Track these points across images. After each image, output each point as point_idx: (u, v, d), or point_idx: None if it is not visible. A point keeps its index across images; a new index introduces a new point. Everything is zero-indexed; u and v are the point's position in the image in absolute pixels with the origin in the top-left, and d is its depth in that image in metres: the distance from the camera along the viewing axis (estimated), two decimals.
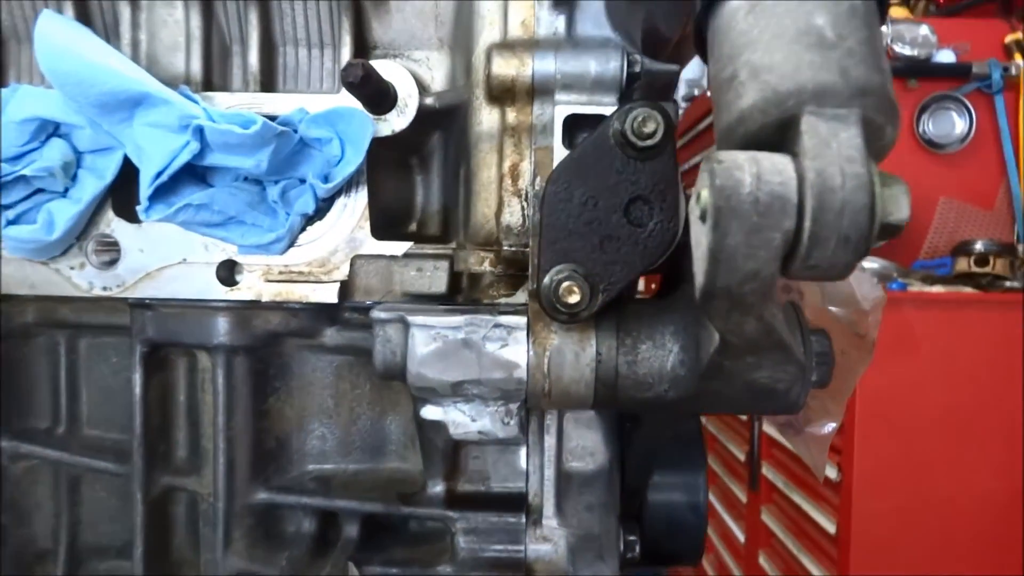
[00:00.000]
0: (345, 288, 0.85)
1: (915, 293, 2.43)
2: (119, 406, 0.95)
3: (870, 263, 2.45)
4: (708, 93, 3.53)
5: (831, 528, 2.53)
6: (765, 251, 0.52)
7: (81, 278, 0.87)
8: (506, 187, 0.79)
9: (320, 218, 0.86)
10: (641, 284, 1.04)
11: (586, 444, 0.86)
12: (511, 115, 0.78)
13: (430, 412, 0.80)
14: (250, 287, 0.85)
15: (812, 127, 0.53)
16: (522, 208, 0.79)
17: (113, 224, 0.86)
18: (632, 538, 0.89)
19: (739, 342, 0.63)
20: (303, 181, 0.83)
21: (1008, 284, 2.46)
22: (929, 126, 2.74)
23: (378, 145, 0.82)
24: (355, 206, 0.85)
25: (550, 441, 0.86)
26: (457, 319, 0.76)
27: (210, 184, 0.83)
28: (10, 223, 0.83)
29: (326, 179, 0.82)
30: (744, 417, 3.12)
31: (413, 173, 0.93)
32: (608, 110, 0.76)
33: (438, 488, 0.89)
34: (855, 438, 2.39)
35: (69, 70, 0.77)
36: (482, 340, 0.75)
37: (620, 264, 0.71)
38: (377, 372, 0.79)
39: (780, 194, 0.51)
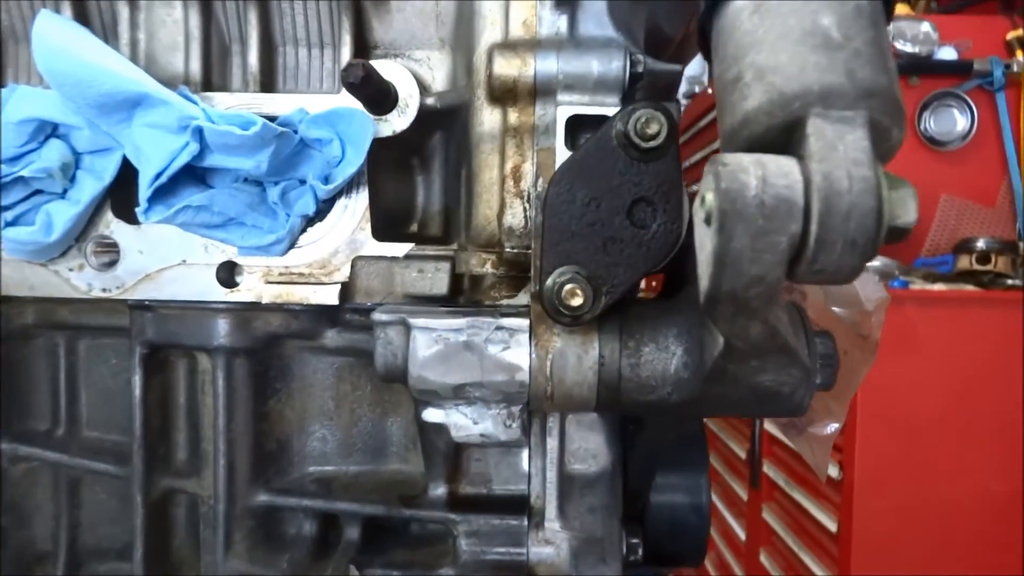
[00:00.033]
0: (346, 290, 0.85)
1: (916, 291, 2.42)
2: (119, 408, 0.95)
3: (871, 261, 2.44)
4: (709, 90, 3.53)
5: (832, 526, 2.52)
6: (771, 255, 0.51)
7: (80, 280, 0.86)
8: (508, 188, 0.78)
9: (320, 219, 0.85)
10: (642, 281, 1.03)
11: (588, 446, 0.85)
12: (513, 116, 0.78)
13: (432, 415, 0.80)
14: (250, 289, 0.85)
15: (818, 129, 0.52)
16: (524, 210, 0.78)
17: (112, 225, 0.86)
18: (635, 540, 0.89)
19: (744, 346, 0.62)
20: (303, 182, 0.82)
21: (1010, 282, 2.45)
22: (930, 123, 2.73)
23: (379, 146, 0.82)
24: (356, 207, 0.85)
25: (552, 443, 0.85)
26: (459, 321, 0.75)
27: (210, 185, 0.82)
28: (8, 224, 0.82)
29: (326, 180, 0.81)
30: None
31: (414, 174, 0.93)
32: (611, 111, 0.75)
33: (440, 490, 0.88)
34: (856, 436, 2.39)
35: (67, 70, 0.76)
36: (484, 343, 0.74)
37: (623, 266, 0.71)
38: (378, 375, 0.78)
39: (786, 197, 0.50)
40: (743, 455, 3.21)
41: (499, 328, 0.74)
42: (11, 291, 0.86)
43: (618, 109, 0.75)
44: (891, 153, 0.55)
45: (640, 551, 0.88)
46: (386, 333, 0.77)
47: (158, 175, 0.77)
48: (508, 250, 0.79)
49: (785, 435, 2.11)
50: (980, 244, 2.50)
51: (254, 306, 0.86)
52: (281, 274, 0.85)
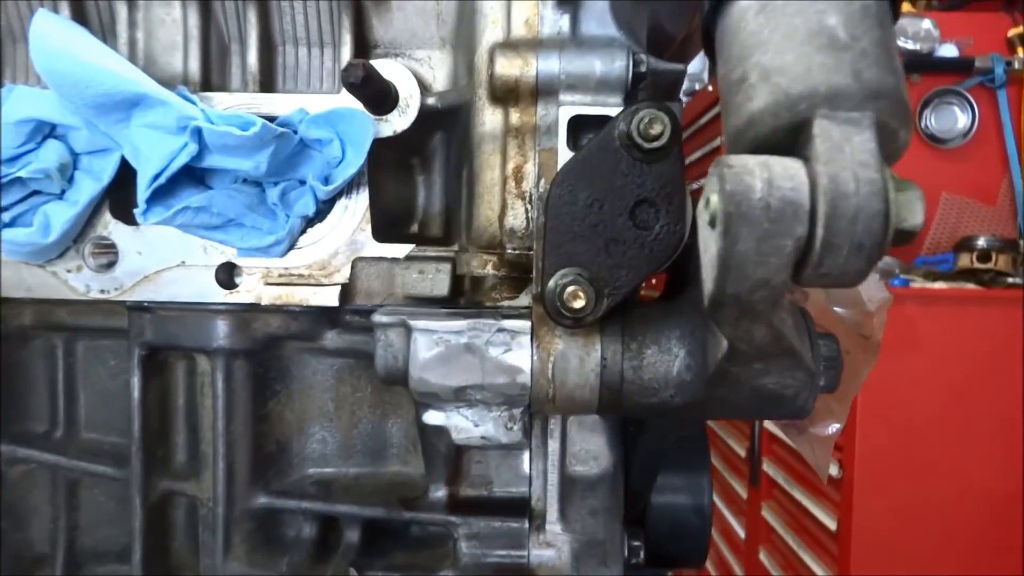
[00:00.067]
0: (346, 291, 0.84)
1: (917, 289, 2.42)
2: (117, 409, 0.94)
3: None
4: (710, 88, 3.52)
5: (832, 524, 2.52)
6: (776, 258, 0.51)
7: (78, 281, 0.86)
8: (510, 189, 0.78)
9: (320, 220, 0.84)
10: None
11: (590, 448, 0.85)
12: (514, 116, 0.77)
13: (432, 417, 0.79)
14: (250, 290, 0.84)
15: (825, 131, 0.52)
16: (526, 211, 0.78)
17: (110, 226, 0.85)
18: (636, 543, 0.88)
19: (748, 349, 0.62)
20: (303, 183, 0.82)
21: (1010, 280, 2.44)
22: (931, 121, 2.72)
23: (379, 146, 0.81)
24: (356, 208, 0.84)
25: (554, 445, 0.85)
26: (460, 323, 0.75)
27: (209, 186, 0.82)
28: (6, 226, 0.82)
29: (326, 181, 0.81)
30: None
31: (414, 174, 0.92)
32: (613, 111, 0.74)
33: (440, 493, 0.88)
34: (856, 434, 2.38)
35: (65, 70, 0.76)
36: (485, 345, 0.74)
37: (626, 268, 0.70)
38: (379, 377, 0.78)
39: (792, 200, 0.50)
40: (743, 453, 3.21)
41: (500, 330, 0.74)
42: (8, 292, 0.86)
43: (621, 109, 0.74)
44: (898, 155, 0.54)
45: (642, 554, 0.88)
46: (387, 335, 0.77)
47: (156, 176, 0.77)
48: (510, 251, 0.78)
49: (786, 435, 2.11)
50: (981, 242, 2.49)
51: (253, 308, 0.85)
52: (281, 275, 0.84)
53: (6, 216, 0.82)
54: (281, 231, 0.82)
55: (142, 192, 0.78)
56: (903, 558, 2.41)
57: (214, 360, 0.87)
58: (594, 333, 0.72)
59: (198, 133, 0.76)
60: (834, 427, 1.19)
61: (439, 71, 0.88)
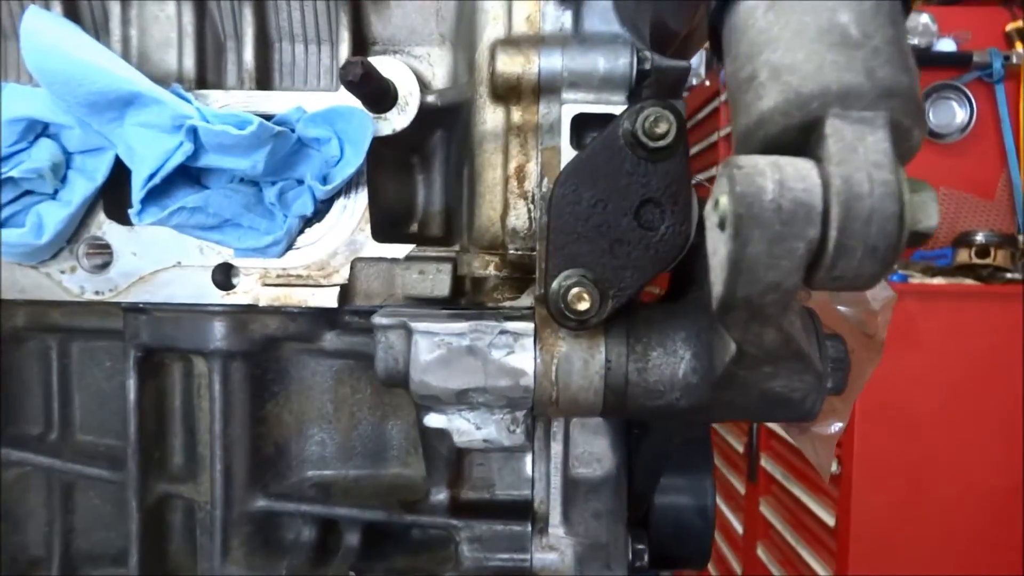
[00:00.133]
0: (345, 292, 0.83)
1: (916, 285, 2.42)
2: (113, 411, 0.93)
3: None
4: (707, 83, 3.51)
5: (830, 520, 2.52)
6: (788, 261, 0.49)
7: (72, 282, 0.84)
8: (512, 189, 0.77)
9: (319, 220, 0.83)
10: None
11: (593, 450, 0.84)
12: (516, 114, 0.76)
13: (434, 420, 0.78)
14: (247, 291, 0.83)
15: (837, 131, 0.50)
16: (528, 211, 0.77)
17: (105, 227, 0.84)
18: (641, 546, 0.87)
19: (757, 352, 0.61)
20: (301, 182, 0.80)
21: (1009, 276, 2.44)
22: (929, 116, 2.71)
23: (378, 144, 0.80)
24: (355, 207, 0.83)
25: (556, 447, 0.84)
26: (462, 325, 0.74)
27: (205, 186, 0.80)
28: None
29: (325, 180, 0.79)
30: None
31: (414, 173, 0.91)
32: (617, 109, 0.73)
33: (441, 495, 0.87)
34: (855, 430, 2.38)
35: (57, 68, 0.74)
36: (488, 347, 0.73)
37: (631, 269, 0.69)
38: (379, 380, 0.77)
39: (804, 201, 0.49)
40: (740, 449, 3.20)
41: (503, 332, 0.73)
42: (1, 294, 0.84)
43: (625, 107, 0.73)
44: (911, 154, 0.53)
45: (646, 557, 0.87)
46: (387, 337, 0.76)
47: (151, 176, 0.75)
48: (512, 252, 0.77)
49: (787, 433, 2.10)
50: (979, 238, 2.49)
51: (251, 309, 0.84)
52: (279, 276, 0.83)
53: None
54: (279, 231, 0.81)
55: (137, 192, 0.76)
56: (902, 554, 2.41)
57: (211, 362, 0.86)
58: (598, 335, 0.71)
59: (194, 132, 0.74)
60: (837, 426, 1.18)
61: (438, 68, 0.87)
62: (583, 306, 0.68)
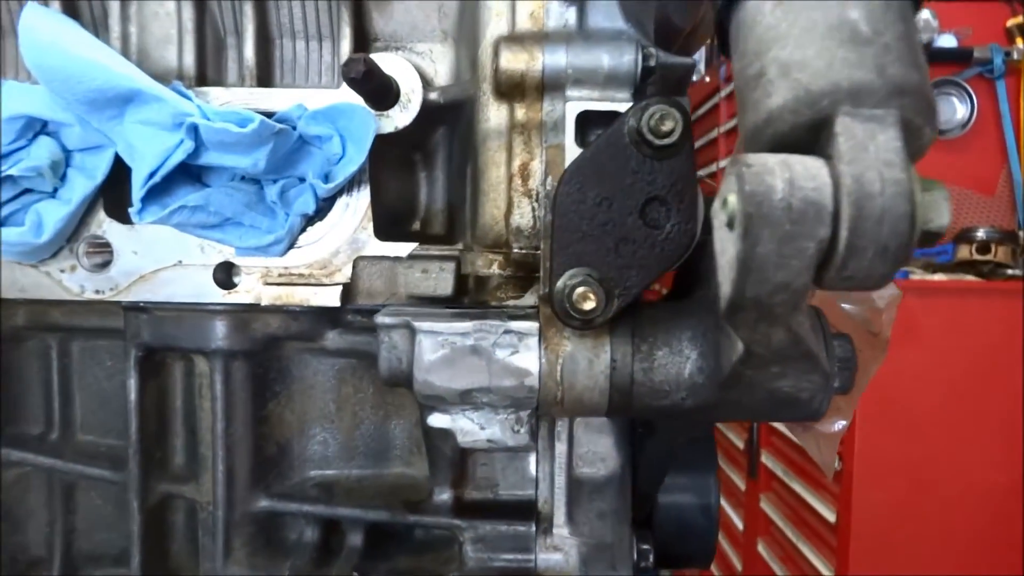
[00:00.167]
0: (348, 291, 0.83)
1: (916, 281, 2.41)
2: (114, 411, 0.93)
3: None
4: (707, 78, 3.50)
5: (831, 517, 2.52)
6: (798, 261, 0.49)
7: (72, 281, 0.84)
8: (516, 187, 0.76)
9: (321, 218, 0.82)
10: None
11: (597, 449, 0.83)
12: (520, 111, 0.75)
13: (437, 420, 0.77)
14: (248, 290, 0.82)
15: (847, 129, 0.50)
16: (533, 209, 0.76)
17: (105, 225, 0.83)
18: (645, 546, 0.87)
19: (765, 352, 0.60)
20: (303, 180, 0.80)
21: (1010, 272, 2.44)
22: None
23: (380, 142, 0.79)
24: (357, 206, 0.82)
25: (561, 447, 0.83)
26: (465, 325, 0.73)
27: (206, 184, 0.80)
28: None
29: (327, 178, 0.79)
30: None
31: (416, 170, 0.90)
32: (622, 106, 0.73)
33: (445, 495, 0.86)
34: (856, 427, 2.38)
35: (56, 65, 0.73)
36: (492, 347, 0.72)
37: (636, 268, 0.68)
38: (382, 379, 0.76)
39: (814, 200, 0.48)
40: (741, 445, 3.20)
41: (507, 332, 0.72)
42: (1, 293, 0.84)
43: (630, 105, 0.72)
44: (922, 153, 0.53)
45: (651, 557, 0.87)
46: (390, 337, 0.75)
47: (152, 174, 0.75)
48: (516, 251, 0.76)
49: (791, 431, 2.10)
50: (980, 234, 2.49)
51: (252, 308, 0.83)
52: (280, 275, 0.82)
53: None
54: (280, 230, 0.80)
55: (137, 190, 0.76)
56: (902, 550, 2.41)
57: (212, 361, 0.85)
58: (603, 334, 0.71)
59: (194, 130, 0.73)
60: (840, 424, 1.17)
61: (441, 65, 0.86)
62: (588, 305, 0.67)
